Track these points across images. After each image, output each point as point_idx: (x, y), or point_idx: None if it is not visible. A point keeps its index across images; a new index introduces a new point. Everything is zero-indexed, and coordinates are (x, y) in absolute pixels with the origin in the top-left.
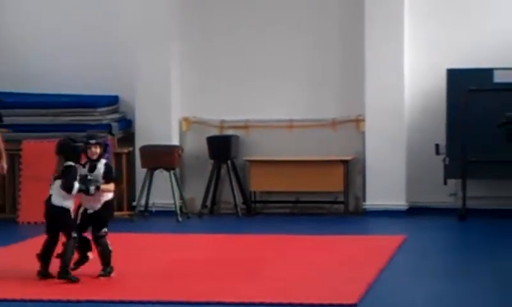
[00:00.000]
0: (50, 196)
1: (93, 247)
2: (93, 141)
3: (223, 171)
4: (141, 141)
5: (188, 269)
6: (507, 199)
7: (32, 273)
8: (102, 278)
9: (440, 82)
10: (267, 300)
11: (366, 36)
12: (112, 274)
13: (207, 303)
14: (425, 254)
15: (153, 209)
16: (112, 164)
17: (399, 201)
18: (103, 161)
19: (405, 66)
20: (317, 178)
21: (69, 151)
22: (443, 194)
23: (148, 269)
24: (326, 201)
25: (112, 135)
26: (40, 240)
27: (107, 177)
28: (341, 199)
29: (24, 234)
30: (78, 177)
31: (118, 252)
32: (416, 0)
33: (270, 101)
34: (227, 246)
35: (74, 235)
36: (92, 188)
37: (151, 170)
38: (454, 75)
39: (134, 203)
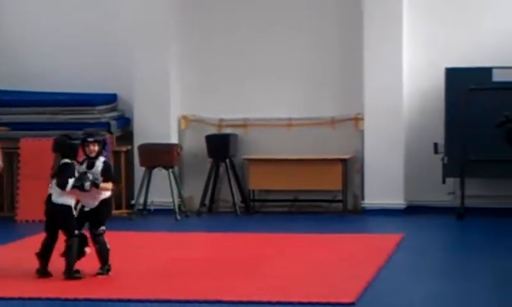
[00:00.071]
0: (50, 194)
1: (90, 242)
2: (90, 139)
3: (222, 169)
4: (139, 139)
5: (186, 267)
6: (506, 198)
7: (31, 271)
8: (100, 276)
9: (439, 81)
10: (266, 299)
11: (365, 36)
12: (110, 272)
13: (206, 301)
14: (423, 253)
15: (152, 207)
16: (111, 162)
17: (397, 200)
18: (101, 159)
19: (403, 66)
20: (315, 176)
21: (65, 148)
22: (442, 193)
23: (147, 267)
24: (324, 200)
25: (111, 133)
26: (39, 238)
27: (106, 175)
28: (340, 197)
29: (22, 232)
30: (76, 174)
31: (116, 250)
32: None
33: (269, 100)
34: (226, 244)
35: (76, 232)
36: (87, 184)
37: (149, 168)
38: (452, 74)
39: (133, 202)
